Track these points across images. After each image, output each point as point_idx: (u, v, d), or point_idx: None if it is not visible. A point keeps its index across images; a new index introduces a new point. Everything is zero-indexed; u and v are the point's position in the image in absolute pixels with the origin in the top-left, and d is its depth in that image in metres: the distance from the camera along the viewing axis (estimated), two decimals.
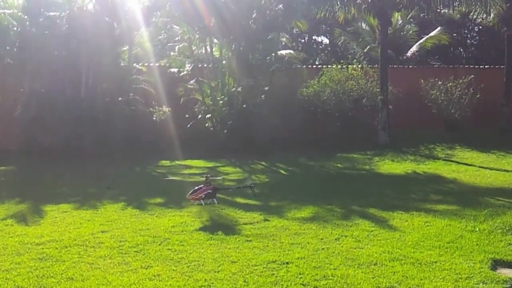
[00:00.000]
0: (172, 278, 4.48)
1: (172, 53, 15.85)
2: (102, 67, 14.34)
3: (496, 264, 4.76)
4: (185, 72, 15.10)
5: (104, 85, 14.78)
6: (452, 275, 4.41)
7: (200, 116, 14.42)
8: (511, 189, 8.47)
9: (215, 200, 7.87)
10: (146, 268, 4.74)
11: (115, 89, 14.83)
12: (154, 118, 14.96)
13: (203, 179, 8.01)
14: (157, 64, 16.34)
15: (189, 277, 4.50)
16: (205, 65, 15.31)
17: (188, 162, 12.27)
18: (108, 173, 10.63)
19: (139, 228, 6.16)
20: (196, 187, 7.66)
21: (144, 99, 15.28)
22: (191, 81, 14.97)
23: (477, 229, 5.80)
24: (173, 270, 4.69)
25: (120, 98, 14.51)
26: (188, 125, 14.54)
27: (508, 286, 4.20)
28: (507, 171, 10.53)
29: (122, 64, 15.43)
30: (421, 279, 4.32)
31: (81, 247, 5.40)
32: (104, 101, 14.22)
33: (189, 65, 15.07)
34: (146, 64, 16.43)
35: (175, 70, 15.27)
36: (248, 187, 8.24)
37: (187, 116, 14.75)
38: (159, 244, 5.48)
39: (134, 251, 5.26)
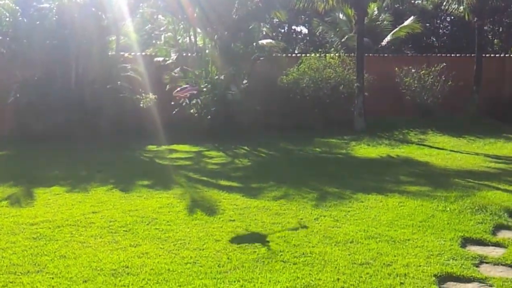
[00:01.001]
0: (159, 255, 4.50)
1: (158, 43, 15.72)
2: (91, 56, 14.26)
3: (466, 241, 4.85)
4: (170, 61, 15.00)
5: (93, 73, 14.68)
6: (424, 252, 4.49)
7: (184, 103, 14.35)
8: (480, 171, 8.60)
9: (199, 100, 7.90)
10: (135, 247, 4.75)
11: (104, 77, 14.72)
12: (141, 105, 14.85)
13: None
14: (143, 53, 16.19)
15: (176, 254, 4.52)
16: (189, 54, 15.21)
17: (174, 147, 12.22)
18: (98, 158, 10.54)
19: (128, 209, 6.14)
20: (183, 86, 7.73)
21: (131, 86, 15.16)
22: (176, 70, 14.89)
23: (448, 209, 5.90)
24: (161, 248, 4.70)
25: (108, 86, 14.40)
26: (174, 112, 14.46)
27: (476, 262, 4.29)
28: (477, 154, 10.71)
29: (110, 53, 15.30)
30: (395, 256, 4.39)
31: (73, 227, 5.38)
32: (93, 89, 14.14)
33: (174, 54, 14.98)
34: (133, 53, 16.29)
35: (161, 59, 15.18)
36: (230, 92, 7.93)
37: (172, 103, 14.65)
38: (147, 224, 5.48)
39: (123, 231, 5.26)
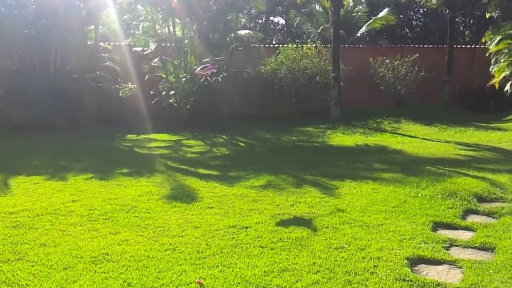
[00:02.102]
0: (139, 242, 4.47)
1: (136, 32, 15.50)
2: (69, 45, 14.03)
3: (436, 226, 4.94)
4: (149, 51, 14.82)
5: (72, 63, 14.45)
6: (396, 236, 4.56)
7: (164, 92, 14.22)
8: (451, 158, 8.75)
9: (219, 78, 8.39)
10: (115, 234, 4.71)
11: (83, 66, 14.54)
12: (120, 94, 14.69)
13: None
14: (122, 43, 15.96)
15: (155, 241, 4.50)
16: (168, 44, 15.03)
17: (154, 136, 12.12)
18: (77, 147, 10.39)
19: (107, 197, 6.08)
20: (204, 65, 8.17)
21: (110, 76, 14.97)
22: (155, 59, 14.73)
23: (420, 194, 5.99)
24: (140, 235, 4.68)
25: (88, 76, 14.18)
26: (153, 101, 14.32)
27: (446, 245, 4.37)
28: (448, 142, 10.90)
29: (89, 43, 15.04)
30: (369, 240, 4.46)
31: (52, 216, 5.30)
32: (72, 78, 13.92)
33: (153, 44, 14.78)
34: (112, 43, 16.05)
35: (140, 48, 14.98)
36: (246, 72, 8.56)
37: (151, 92, 14.52)
38: (127, 212, 5.44)
39: (103, 219, 5.20)
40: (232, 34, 15.21)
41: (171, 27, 14.82)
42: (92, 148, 10.28)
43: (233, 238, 4.56)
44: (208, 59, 9.25)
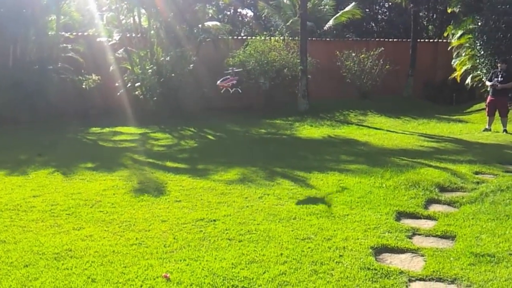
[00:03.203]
0: (104, 238, 4.40)
1: (101, 22, 15.15)
2: (29, 36, 13.56)
3: (400, 215, 5.04)
4: (113, 41, 14.51)
5: (33, 54, 14.00)
6: (361, 226, 4.64)
7: (129, 84, 13.98)
8: (414, 149, 8.94)
9: (239, 90, 9.76)
10: (78, 230, 4.61)
11: (44, 57, 14.09)
12: (83, 86, 14.36)
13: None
14: (85, 33, 15.58)
15: (121, 236, 4.43)
16: (134, 35, 14.77)
17: (119, 129, 11.92)
18: (38, 141, 10.10)
19: (70, 192, 5.94)
20: (225, 77, 8.34)
21: (73, 67, 14.60)
22: (120, 50, 14.44)
23: (384, 185, 6.10)
24: (105, 230, 4.59)
25: (49, 67, 13.78)
26: (118, 93, 14.06)
27: (409, 234, 4.47)
28: (411, 133, 11.15)
29: (50, 33, 14.59)
30: (335, 230, 4.52)
31: (12, 212, 5.15)
32: (33, 70, 13.49)
33: (117, 35, 14.49)
34: (74, 33, 15.63)
35: (104, 39, 14.64)
36: (261, 82, 9.74)
37: (116, 84, 14.25)
38: (91, 207, 5.33)
39: (66, 214, 5.08)
40: (200, 26, 15.07)
41: (136, 18, 14.56)
42: (54, 142, 10.01)
43: (201, 231, 4.54)
44: (229, 71, 9.90)
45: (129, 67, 14.31)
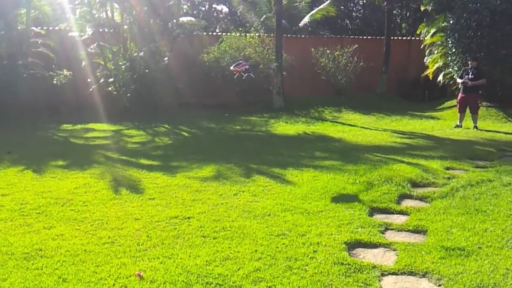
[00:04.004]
0: (75, 237, 4.33)
1: (72, 17, 14.86)
2: None
3: (373, 211, 5.12)
4: (86, 36, 14.24)
5: (1, 49, 13.64)
6: (335, 222, 4.68)
7: (102, 80, 13.76)
8: (387, 146, 9.09)
9: (252, 74, 10.15)
10: (49, 229, 4.53)
11: (13, 53, 13.74)
12: (54, 82, 14.06)
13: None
14: (57, 28, 15.25)
15: (93, 235, 4.37)
16: (106, 30, 14.54)
17: (91, 126, 11.74)
18: (7, 138, 9.87)
19: (40, 190, 5.82)
20: (238, 62, 9.95)
21: (44, 63, 14.28)
22: (92, 45, 14.19)
23: (358, 181, 6.17)
24: (77, 229, 4.52)
25: (19, 62, 13.46)
26: (90, 89, 13.84)
27: (382, 229, 4.54)
28: (385, 130, 11.32)
29: (19, 28, 14.23)
30: (309, 226, 4.55)
31: None
32: (2, 65, 13.16)
33: (90, 30, 14.23)
34: (45, 27, 15.28)
35: (76, 34, 14.36)
36: (271, 68, 10.71)
37: (89, 80, 14.02)
38: (62, 205, 5.24)
39: (36, 213, 4.98)
40: (174, 21, 14.94)
41: (109, 12, 14.34)
42: (24, 139, 9.80)
43: (175, 229, 4.52)
44: (241, 60, 10.94)
45: (102, 63, 14.08)
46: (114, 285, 3.42)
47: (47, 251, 4.00)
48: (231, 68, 10.01)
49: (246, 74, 9.91)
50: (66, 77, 14.30)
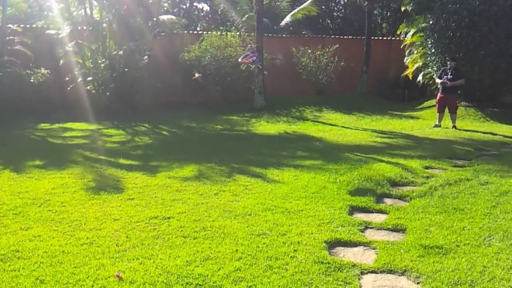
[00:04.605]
0: (53, 238, 4.28)
1: (50, 14, 14.64)
2: None
3: (353, 210, 5.17)
4: (64, 34, 14.03)
5: None
6: (315, 221, 4.72)
7: (80, 79, 13.59)
8: (368, 145, 9.18)
9: (259, 66, 11.12)
10: (26, 230, 4.46)
11: None
12: (32, 80, 13.84)
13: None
14: (34, 26, 15.02)
15: (71, 236, 4.32)
16: (85, 28, 14.36)
17: (69, 125, 11.59)
18: None
19: (17, 191, 5.73)
20: (246, 54, 10.63)
21: (20, 61, 14.03)
22: (71, 43, 13.99)
23: (338, 180, 6.22)
24: (54, 230, 4.47)
25: None
26: (68, 88, 13.66)
27: (362, 228, 4.59)
28: (365, 130, 11.44)
29: None
30: (289, 226, 4.58)
31: None
32: None
33: (68, 27, 14.03)
34: (22, 25, 15.03)
35: (54, 32, 14.15)
36: (277, 59, 10.20)
37: (67, 78, 13.83)
38: (39, 206, 5.17)
39: (13, 214, 4.90)
40: (154, 19, 14.84)
41: (87, 10, 14.16)
42: (0, 139, 9.63)
43: (155, 229, 4.50)
44: (249, 52, 11.17)
45: (80, 61, 13.90)
46: (92, 286, 3.39)
47: (24, 252, 3.95)
48: (239, 60, 10.59)
49: (254, 65, 10.57)
50: (43, 75, 14.08)
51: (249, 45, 11.67)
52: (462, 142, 9.64)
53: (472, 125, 12.15)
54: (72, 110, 12.77)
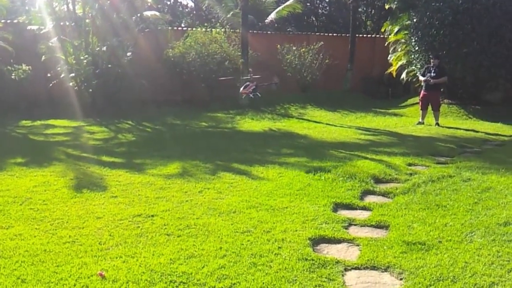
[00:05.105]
0: (34, 236, 4.22)
1: (32, 9, 14.41)
2: None
3: (337, 206, 5.20)
4: (46, 30, 13.83)
5: None
6: (300, 218, 4.74)
7: (63, 75, 13.42)
8: (352, 142, 9.24)
9: (258, 94, 11.45)
10: (7, 228, 4.40)
11: None
12: (13, 77, 13.62)
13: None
14: (15, 21, 14.77)
15: (53, 234, 4.27)
16: (68, 23, 14.17)
17: (51, 122, 11.45)
18: None
19: None
20: (245, 84, 11.23)
21: (1, 57, 13.81)
22: (53, 39, 13.79)
23: (323, 177, 6.25)
24: (36, 228, 4.41)
25: None
26: (51, 85, 13.48)
27: (346, 224, 4.63)
28: (349, 127, 11.51)
29: None
30: (274, 223, 4.59)
31: None
32: None
33: (50, 23, 13.84)
34: (3, 20, 14.77)
35: (36, 27, 13.93)
36: (274, 83, 11.66)
37: (49, 75, 13.65)
38: (20, 204, 5.10)
39: None
40: (138, 15, 14.71)
41: (70, 5, 13.97)
42: None
43: (138, 227, 4.47)
44: (247, 77, 12.32)
45: (63, 57, 13.72)
46: (75, 285, 3.36)
47: (5, 251, 3.89)
48: (240, 91, 11.49)
49: (253, 94, 11.44)
50: (25, 72, 13.88)
51: (249, 75, 12.58)
52: (445, 139, 9.76)
53: (454, 123, 12.30)
54: (54, 107, 12.62)
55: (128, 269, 3.58)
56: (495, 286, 3.36)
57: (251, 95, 11.45)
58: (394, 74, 16.62)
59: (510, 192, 5.47)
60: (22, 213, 4.83)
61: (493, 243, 4.08)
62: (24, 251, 3.91)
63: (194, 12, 29.94)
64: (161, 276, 3.47)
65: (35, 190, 5.63)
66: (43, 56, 13.78)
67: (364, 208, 5.18)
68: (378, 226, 4.64)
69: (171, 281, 3.40)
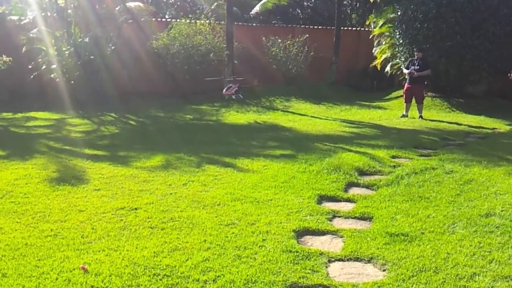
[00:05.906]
0: (16, 230, 4.17)
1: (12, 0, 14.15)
2: None
3: (322, 199, 5.23)
4: (27, 20, 13.61)
5: None
6: (284, 210, 4.76)
7: (44, 67, 13.22)
8: (337, 135, 9.28)
9: (240, 95, 12.12)
10: None
11: None
12: None
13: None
14: None
15: (35, 228, 4.22)
16: (49, 14, 13.93)
17: (33, 114, 11.28)
18: None
19: None
20: (228, 86, 11.83)
21: None
22: (34, 30, 13.58)
23: (307, 170, 6.28)
24: (17, 222, 4.35)
25: None
26: (32, 76, 13.27)
27: (330, 216, 4.66)
28: (334, 119, 11.55)
29: None
30: (258, 215, 4.60)
31: None
32: None
33: (31, 13, 13.60)
34: None
35: (16, 18, 13.69)
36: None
37: (30, 66, 13.43)
38: (1, 198, 5.02)
39: None
40: (121, 6, 14.53)
41: None
42: None
43: (121, 220, 4.44)
44: (230, 79, 12.95)
45: (44, 48, 13.51)
46: (57, 279, 3.32)
47: None
48: (223, 92, 12.02)
49: (235, 95, 12.13)
50: (5, 63, 13.64)
51: (232, 77, 13.24)
52: (428, 132, 9.85)
53: (438, 115, 12.43)
54: (35, 99, 12.43)
55: (111, 262, 3.55)
56: (477, 276, 3.41)
57: (233, 97, 11.93)
58: (378, 67, 16.70)
59: (491, 184, 5.55)
60: (3, 207, 4.76)
61: (474, 234, 4.14)
62: (5, 245, 3.86)
63: (178, 3, 29.64)
64: (144, 269, 3.46)
65: (16, 183, 5.55)
66: (24, 47, 13.55)
67: (348, 200, 5.21)
68: (362, 218, 4.68)
69: (154, 274, 3.39)
